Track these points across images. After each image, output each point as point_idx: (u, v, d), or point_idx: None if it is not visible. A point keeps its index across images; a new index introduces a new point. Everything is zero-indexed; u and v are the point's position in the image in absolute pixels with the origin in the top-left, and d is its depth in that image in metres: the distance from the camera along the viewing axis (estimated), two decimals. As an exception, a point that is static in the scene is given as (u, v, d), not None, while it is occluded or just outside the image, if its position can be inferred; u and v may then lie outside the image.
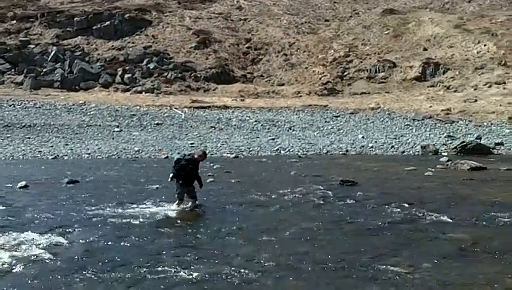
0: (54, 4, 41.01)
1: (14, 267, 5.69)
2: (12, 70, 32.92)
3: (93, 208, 8.60)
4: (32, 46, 35.34)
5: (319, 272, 5.59)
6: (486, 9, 38.68)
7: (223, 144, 18.53)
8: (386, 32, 36.30)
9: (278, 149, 17.79)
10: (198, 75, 32.96)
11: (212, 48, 35.79)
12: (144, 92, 30.40)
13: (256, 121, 23.65)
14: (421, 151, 17.36)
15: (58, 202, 9.16)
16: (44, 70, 32.41)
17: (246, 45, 36.78)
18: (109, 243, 6.67)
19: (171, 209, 8.54)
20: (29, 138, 19.27)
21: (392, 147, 18.28)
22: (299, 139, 19.87)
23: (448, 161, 14.32)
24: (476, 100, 26.17)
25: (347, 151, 17.68)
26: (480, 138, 19.14)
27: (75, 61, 32.75)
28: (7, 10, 39.51)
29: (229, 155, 16.70)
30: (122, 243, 6.66)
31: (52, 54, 33.62)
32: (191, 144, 18.44)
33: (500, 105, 24.77)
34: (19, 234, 6.91)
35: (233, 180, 11.44)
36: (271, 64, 34.89)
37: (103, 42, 36.26)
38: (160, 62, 33.85)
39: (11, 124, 21.54)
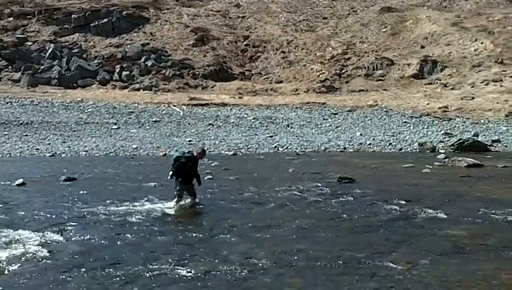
0: (51, 1, 40.81)
1: (10, 265, 5.67)
2: (10, 67, 32.79)
3: (90, 205, 8.57)
4: (29, 43, 35.20)
5: (317, 269, 5.58)
6: (483, 7, 38.72)
7: (221, 142, 18.51)
8: (383, 30, 36.30)
9: (276, 146, 17.78)
10: (196, 73, 32.89)
11: (210, 46, 35.72)
12: (141, 90, 30.34)
13: (254, 118, 23.63)
14: (418, 149, 17.38)
15: (55, 199, 9.13)
16: (41, 67, 32.29)
17: (244, 43, 36.72)
18: (106, 240, 6.65)
19: (169, 207, 8.52)
20: (26, 135, 19.21)
21: (390, 144, 18.31)
22: (297, 136, 19.87)
23: (445, 158, 14.34)
24: (473, 98, 26.22)
25: (345, 148, 17.69)
26: (477, 135, 19.19)
27: (73, 59, 32.64)
28: (4, 7, 39.30)
29: (227, 152, 16.69)
30: (119, 241, 6.64)
31: (49, 51, 33.49)
32: (189, 141, 18.42)
33: (497, 102, 24.82)
34: (15, 231, 6.88)
35: (231, 178, 11.42)
36: (269, 62, 34.85)
37: (101, 39, 36.13)
38: (158, 59, 33.77)
39: (8, 121, 21.46)
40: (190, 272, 5.45)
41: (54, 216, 7.88)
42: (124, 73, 32.17)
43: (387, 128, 21.59)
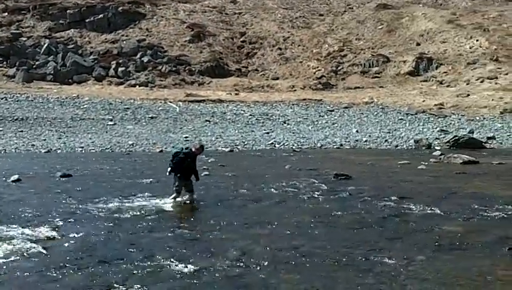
0: (47, -4, 40.46)
1: (6, 262, 5.63)
2: (4, 63, 32.55)
3: (86, 202, 8.53)
4: (24, 38, 34.93)
5: (314, 265, 5.59)
6: (478, 5, 38.80)
7: (217, 138, 18.48)
8: (379, 27, 36.31)
9: (272, 143, 17.78)
10: (193, 69, 32.79)
11: (206, 42, 35.60)
12: (137, 86, 30.22)
13: (250, 115, 23.60)
14: (414, 145, 17.44)
15: (50, 196, 9.09)
16: (36, 63, 32.08)
17: (241, 39, 36.63)
18: (102, 237, 6.63)
19: (166, 203, 8.50)
20: (21, 131, 19.10)
21: (386, 141, 18.35)
22: (293, 133, 19.87)
23: (441, 154, 14.40)
24: (468, 95, 26.32)
25: (341, 145, 17.71)
26: (473, 132, 19.27)
27: (68, 54, 32.44)
28: (-1, 2, 38.96)
29: (223, 149, 16.67)
30: (115, 237, 6.61)
31: (44, 47, 33.26)
32: (186, 137, 18.38)
33: (492, 100, 24.93)
34: (11, 228, 6.84)
35: (228, 174, 11.41)
36: (265, 58, 34.79)
37: (96, 35, 35.91)
38: (154, 55, 33.63)
39: (3, 117, 21.32)
40: (186, 268, 5.44)
41: (49, 213, 7.84)
42: (119, 69, 32.01)
43: (383, 125, 21.63)
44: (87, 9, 36.98)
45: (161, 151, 16.01)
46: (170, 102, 26.12)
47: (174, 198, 8.56)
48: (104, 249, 6.10)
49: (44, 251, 5.96)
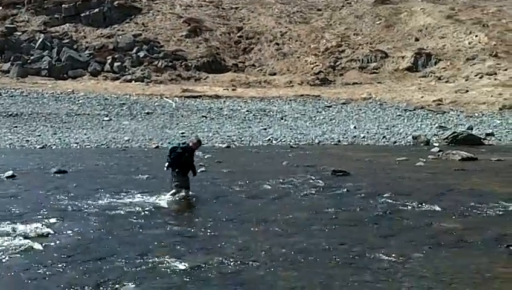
0: (41, -10, 40.19)
1: (0, 259, 5.61)
2: (-1, 57, 32.37)
3: (81, 198, 8.51)
4: (18, 33, 34.73)
5: (311, 262, 5.59)
6: (477, 0, 38.79)
7: (214, 134, 18.46)
8: (378, 22, 36.28)
9: (269, 139, 17.78)
10: (189, 64, 32.70)
11: (203, 37, 35.49)
12: (133, 81, 30.13)
13: (247, 110, 23.58)
14: (412, 142, 17.47)
15: (46, 192, 9.05)
16: (31, 58, 31.92)
17: (238, 34, 36.53)
18: (98, 234, 6.61)
19: (163, 199, 8.48)
20: (16, 126, 19.02)
21: (384, 137, 18.38)
22: (291, 129, 19.88)
23: (439, 151, 14.42)
24: (467, 91, 26.36)
25: (339, 141, 17.73)
26: (472, 129, 19.32)
27: (63, 49, 32.28)
28: (-8, -4, 38.69)
29: (220, 145, 16.65)
30: (111, 234, 6.60)
31: (39, 42, 33.09)
32: (182, 133, 18.35)
33: (491, 96, 24.98)
34: (4, 224, 6.81)
35: (224, 171, 11.40)
36: (263, 54, 34.73)
37: (92, 30, 35.74)
38: (150, 50, 33.51)
39: (-3, 112, 21.22)
40: (182, 265, 5.43)
41: (44, 209, 7.81)
42: (115, 64, 31.89)
43: (381, 121, 21.65)
44: (83, 4, 36.77)
45: (157, 147, 15.98)
46: (166, 97, 26.06)
47: (173, 194, 8.54)
48: (98, 246, 6.09)
49: (38, 248, 5.94)
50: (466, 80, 28.26)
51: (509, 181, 10.47)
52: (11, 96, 24.97)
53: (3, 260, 5.55)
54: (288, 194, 9.09)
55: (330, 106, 24.94)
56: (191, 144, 8.81)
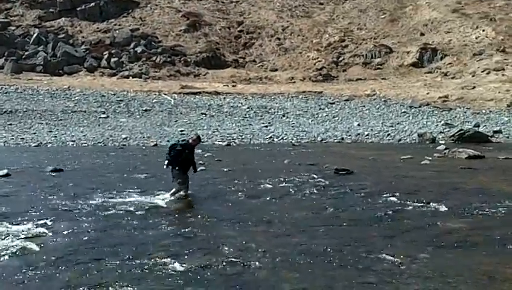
0: (36, -16, 40.17)
1: (-4, 259, 5.62)
2: (-8, 53, 32.39)
3: (77, 197, 8.52)
4: (13, 28, 34.72)
5: (314, 263, 5.60)
6: (485, -7, 38.67)
7: (214, 132, 18.47)
8: (382, 16, 36.22)
9: (271, 137, 17.79)
10: (188, 60, 32.69)
11: (202, 31, 35.47)
12: (131, 77, 30.13)
13: (248, 107, 23.58)
14: (417, 140, 17.48)
15: (41, 191, 9.07)
16: (26, 53, 31.92)
17: (238, 29, 36.50)
18: (95, 234, 6.62)
19: (162, 198, 8.48)
20: (10, 124, 19.04)
21: (388, 135, 18.38)
22: (292, 126, 19.88)
23: (445, 149, 14.42)
24: (474, 87, 26.31)
25: (342, 139, 17.73)
26: (479, 126, 19.31)
27: (59, 44, 32.27)
28: (-14, -10, 38.67)
29: (220, 143, 16.67)
30: (108, 235, 6.61)
31: (34, 37, 33.08)
32: (181, 131, 18.36)
33: (499, 92, 24.94)
34: None
35: (225, 169, 11.41)
36: (264, 49, 34.70)
37: (88, 24, 35.73)
38: (148, 46, 33.50)
39: (-9, 109, 21.25)
40: (181, 266, 5.44)
41: (40, 209, 7.82)
42: (112, 60, 31.88)
43: (386, 118, 21.64)
44: (78, -3, 36.78)
45: (156, 145, 15.99)
46: (165, 94, 26.05)
47: (176, 192, 8.55)
48: (95, 246, 6.10)
49: (33, 249, 5.95)
50: (473, 76, 28.21)
51: (517, 180, 10.47)
52: (5, 93, 24.98)
53: (-2, 261, 5.57)
54: (290, 193, 9.09)
55: (333, 103, 24.93)
56: (190, 141, 8.84)
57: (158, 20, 36.40)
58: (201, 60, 32.69)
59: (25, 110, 21.45)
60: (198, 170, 9.41)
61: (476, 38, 31.57)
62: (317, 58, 32.79)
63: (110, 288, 4.90)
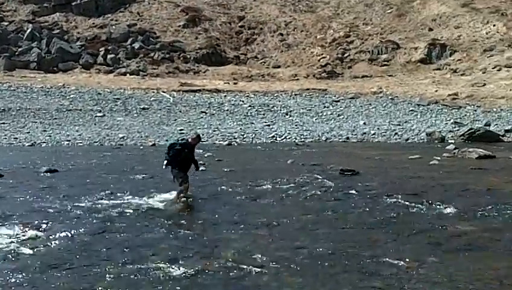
0: (30, -23, 40.24)
1: (-12, 263, 5.63)
2: (-15, 49, 32.45)
3: (73, 199, 8.53)
4: (5, 23, 34.79)
5: (318, 267, 5.59)
6: (496, -13, 38.58)
7: (214, 131, 18.49)
8: (388, 11, 36.17)
9: (273, 136, 17.81)
10: (188, 56, 32.71)
11: (202, 27, 35.48)
12: (128, 74, 30.16)
13: (250, 105, 23.58)
14: (426, 139, 17.47)
15: (35, 192, 9.08)
16: (19, 49, 31.98)
17: (239, 24, 36.50)
18: (90, 237, 6.62)
19: (160, 200, 8.50)
20: (3, 123, 19.09)
21: (396, 134, 18.37)
22: (296, 125, 19.88)
23: (455, 148, 14.42)
24: (484, 84, 26.25)
25: (347, 138, 17.73)
26: (489, 125, 19.26)
27: (53, 40, 32.32)
28: (-22, -16, 38.75)
29: (221, 142, 16.69)
30: (104, 238, 6.61)
31: (27, 32, 33.13)
32: (180, 130, 18.39)
33: (510, 89, 24.88)
34: (-7, 227, 6.84)
35: (225, 170, 11.42)
36: (266, 45, 34.69)
37: (83, 19, 35.78)
38: (146, 42, 33.52)
39: (-17, 108, 21.30)
40: (180, 270, 5.44)
41: (33, 211, 7.83)
42: (109, 56, 31.91)
43: (393, 117, 21.62)
44: (74, -8, 36.83)
45: (154, 145, 16.02)
46: (163, 92, 26.07)
47: (181, 191, 8.56)
48: (90, 250, 6.10)
49: (29, 252, 5.96)
50: (483, 73, 28.15)
51: (529, 181, 10.44)
52: (-2, 90, 25.04)
53: (-10, 265, 5.57)
54: (293, 195, 9.09)
55: (338, 101, 24.92)
56: (190, 140, 8.87)
57: (156, 15, 36.42)
58: (201, 57, 32.70)
59: (18, 108, 21.50)
60: (199, 169, 9.41)
61: (487, 33, 31.50)
62: (322, 54, 32.77)
63: (106, 293, 4.90)
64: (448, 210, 7.97)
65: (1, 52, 31.41)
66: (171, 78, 29.73)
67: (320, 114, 22.28)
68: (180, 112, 22.38)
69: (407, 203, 8.40)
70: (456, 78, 28.23)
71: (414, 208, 8.14)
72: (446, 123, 20.13)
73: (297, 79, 30.31)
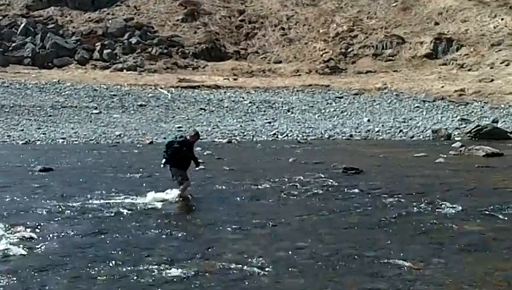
0: (23, -30, 40.22)
1: (-20, 264, 5.64)
2: (-23, 45, 32.48)
3: (68, 198, 8.54)
4: (-1, 17, 34.78)
5: (320, 268, 5.60)
6: (504, -21, 38.48)
7: (214, 128, 18.51)
8: (393, 4, 36.11)
9: (275, 133, 17.83)
10: (186, 51, 32.69)
11: (201, 21, 35.45)
12: (125, 70, 30.16)
13: (250, 102, 23.59)
14: (432, 136, 17.49)
15: (29, 192, 9.09)
16: (13, 45, 31.99)
17: (239, 18, 36.47)
18: (86, 237, 6.63)
19: (158, 199, 8.49)
20: (-4, 120, 19.11)
21: (401, 131, 18.38)
22: (298, 122, 19.89)
23: (461, 146, 14.43)
24: (492, 80, 26.23)
25: (351, 136, 17.75)
26: (497, 122, 19.27)
27: (48, 35, 32.32)
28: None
29: (221, 140, 16.71)
30: (100, 238, 6.62)
31: (21, 27, 33.12)
32: (179, 127, 18.40)
33: (519, 85, 24.86)
34: (-14, 227, 6.84)
35: (225, 168, 11.43)
36: (267, 40, 34.66)
37: (79, 13, 35.76)
38: (143, 36, 33.51)
39: (-24, 105, 21.32)
40: (180, 272, 5.44)
41: (28, 211, 7.84)
42: (105, 51, 31.91)
43: (398, 113, 21.62)
44: (69, -15, 36.82)
45: (151, 142, 16.04)
46: (161, 88, 26.08)
47: (184, 190, 8.56)
48: (86, 250, 6.11)
49: (23, 253, 5.96)
50: (491, 68, 28.11)
51: (538, 179, 10.43)
52: (-9, 87, 25.06)
53: (-17, 267, 5.58)
54: (295, 194, 9.09)
55: (341, 97, 24.91)
56: (188, 138, 8.88)
57: (154, 9, 36.40)
58: (200, 52, 32.68)
59: (11, 105, 21.51)
60: (196, 169, 9.40)
61: (494, 27, 31.44)
62: (324, 49, 32.74)
63: (102, 295, 4.91)
64: (454, 210, 7.96)
65: (-6, 48, 31.43)
66: (169, 74, 29.73)
67: (322, 111, 22.28)
68: (179, 108, 22.38)
69: (411, 202, 8.40)
70: (463, 74, 28.20)
71: (419, 207, 8.14)
72: (452, 120, 20.13)
73: (299, 75, 30.30)
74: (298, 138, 17.14)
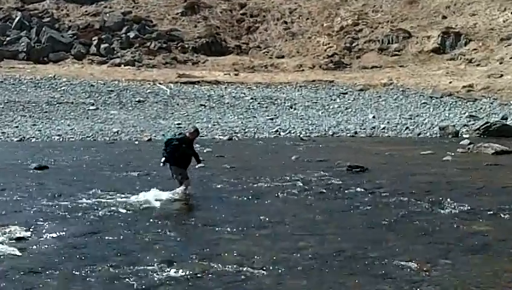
0: (18, -38, 40.20)
1: (-26, 265, 5.65)
2: (-29, 39, 32.48)
3: (64, 197, 8.56)
4: (-7, 11, 34.79)
5: (323, 270, 5.60)
6: (515, -29, 38.34)
7: (214, 125, 18.51)
8: (400, -3, 35.99)
9: (277, 130, 17.83)
10: (186, 46, 32.67)
11: (201, 14, 35.42)
12: (123, 65, 30.15)
13: (252, 98, 23.58)
14: (439, 133, 17.47)
15: (24, 190, 9.12)
16: (7, 39, 31.99)
17: (241, 11, 36.42)
18: (82, 237, 6.64)
19: (159, 199, 8.50)
20: (-10, 117, 19.14)
21: (407, 128, 18.37)
22: (301, 119, 19.88)
23: (469, 144, 14.42)
24: (501, 75, 26.16)
25: (356, 133, 17.74)
26: (506, 118, 19.24)
27: (43, 29, 32.32)
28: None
29: (221, 137, 16.71)
30: (97, 237, 6.63)
31: (16, 21, 33.13)
32: (178, 124, 18.41)
33: (529, 81, 24.79)
34: (-21, 226, 6.86)
35: (226, 166, 11.44)
36: (269, 34, 34.62)
37: (75, 7, 35.76)
38: (141, 30, 33.49)
39: (-30, 101, 21.35)
40: (180, 273, 5.45)
41: (22, 210, 7.86)
42: (102, 46, 31.90)
43: (404, 110, 21.60)
44: (65, -23, 36.78)
45: (150, 140, 16.05)
46: (160, 84, 26.07)
47: (185, 188, 8.57)
48: (83, 251, 6.12)
49: (17, 253, 5.97)
50: (500, 63, 28.04)
51: (549, 178, 10.41)
52: (-15, 82, 25.09)
53: (-23, 267, 5.59)
54: (297, 193, 9.09)
55: (346, 93, 24.89)
56: (187, 135, 8.91)
57: (152, 2, 36.36)
58: (200, 46, 32.65)
59: (6, 101, 21.53)
60: (196, 167, 9.41)
61: (504, 21, 31.34)
62: (328, 43, 32.69)
63: (98, 296, 4.92)
64: (462, 209, 7.96)
65: (-12, 42, 31.45)
66: (169, 69, 29.71)
67: (326, 107, 22.25)
68: (178, 105, 22.38)
69: (417, 201, 8.40)
70: (471, 69, 28.13)
71: (425, 206, 8.14)
72: (460, 117, 20.09)
73: (303, 70, 30.26)
74: (301, 135, 17.14)
